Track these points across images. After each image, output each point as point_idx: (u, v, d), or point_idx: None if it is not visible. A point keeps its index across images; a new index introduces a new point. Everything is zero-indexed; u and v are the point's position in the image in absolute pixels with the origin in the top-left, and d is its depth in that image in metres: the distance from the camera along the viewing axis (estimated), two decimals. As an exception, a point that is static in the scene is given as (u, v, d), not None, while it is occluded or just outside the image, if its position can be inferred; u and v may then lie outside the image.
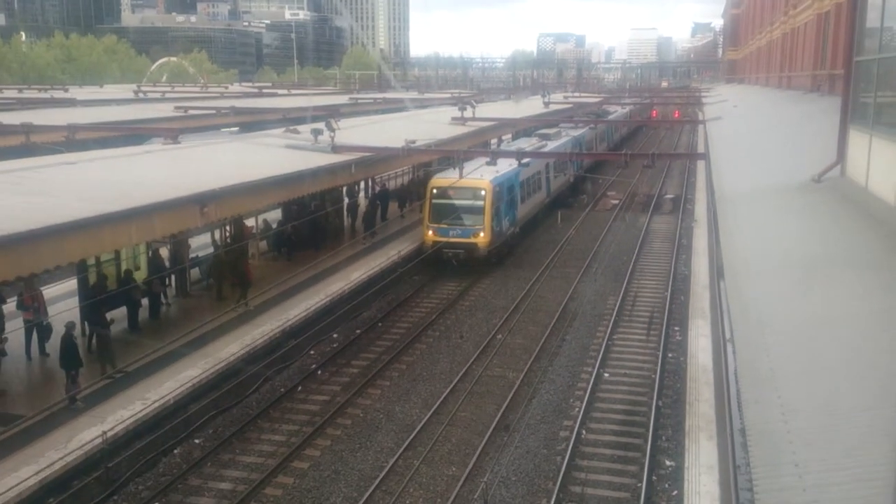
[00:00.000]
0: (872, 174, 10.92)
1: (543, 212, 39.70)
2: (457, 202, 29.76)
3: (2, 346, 17.13)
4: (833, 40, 30.17)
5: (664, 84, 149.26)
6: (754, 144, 23.20)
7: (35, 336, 19.68)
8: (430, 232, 29.93)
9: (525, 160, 31.17)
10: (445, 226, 29.73)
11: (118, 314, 21.12)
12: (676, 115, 78.27)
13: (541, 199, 39.26)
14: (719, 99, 59.65)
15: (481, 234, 29.59)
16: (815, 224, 10.62)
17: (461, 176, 28.35)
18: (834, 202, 11.48)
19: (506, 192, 31.40)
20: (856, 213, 10.47)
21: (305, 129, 29.65)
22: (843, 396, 5.57)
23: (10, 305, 20.71)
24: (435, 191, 30.07)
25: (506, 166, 31.54)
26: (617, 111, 72.25)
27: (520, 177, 33.49)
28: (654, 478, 15.63)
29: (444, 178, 30.58)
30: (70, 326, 18.25)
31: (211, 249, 26.50)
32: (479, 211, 29.59)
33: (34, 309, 19.60)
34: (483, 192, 29.48)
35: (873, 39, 11.45)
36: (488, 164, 30.30)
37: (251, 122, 42.48)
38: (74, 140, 28.96)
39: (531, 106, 59.68)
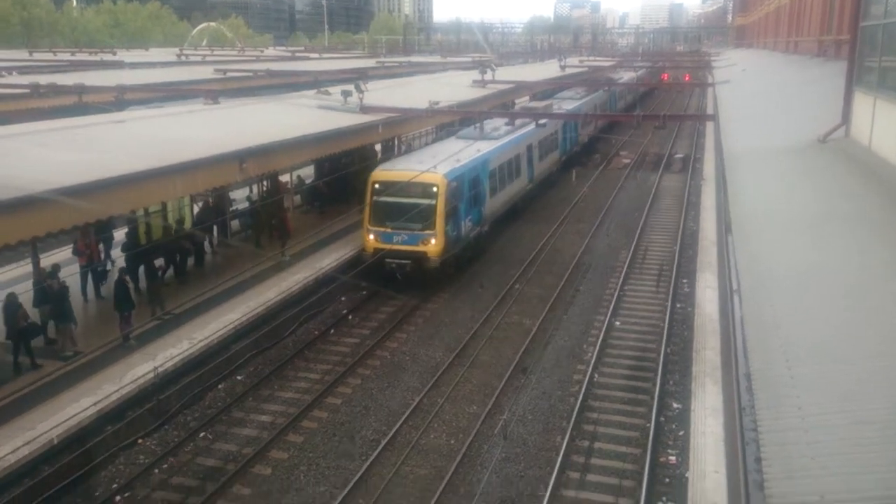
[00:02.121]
0: (876, 135, 10.72)
1: (522, 202, 32.55)
2: (402, 200, 22.33)
3: (60, 289, 17.38)
4: (840, 6, 29.29)
5: (679, 48, 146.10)
6: (762, 106, 22.77)
7: (91, 280, 20.00)
8: (371, 237, 22.72)
9: (501, 141, 28.51)
10: (389, 230, 22.42)
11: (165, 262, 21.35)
12: (687, 79, 76.87)
13: (519, 188, 31.58)
14: (728, 63, 58.40)
15: (432, 242, 22.27)
16: (820, 182, 10.46)
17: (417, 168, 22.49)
18: (838, 161, 11.29)
19: (467, 187, 24.26)
20: (859, 172, 10.29)
21: (336, 90, 29.44)
22: (844, 344, 5.54)
23: (67, 251, 21.01)
24: (377, 186, 22.77)
25: (473, 153, 25.65)
26: (623, 76, 70.55)
27: (489, 164, 26.75)
28: (662, 419, 15.72)
29: (387, 171, 23.43)
30: (122, 271, 18.53)
31: (246, 204, 26.55)
32: (429, 212, 22.21)
33: (88, 255, 19.86)
34: (435, 189, 22.19)
35: (879, 5, 11.15)
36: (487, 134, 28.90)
37: (285, 84, 42.26)
38: (123, 100, 29.02)
39: (548, 69, 58.79)
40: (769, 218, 9.08)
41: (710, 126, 38.43)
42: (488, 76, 39.59)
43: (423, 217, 22.15)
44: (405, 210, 22.05)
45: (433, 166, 22.43)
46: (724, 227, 10.20)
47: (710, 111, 42.85)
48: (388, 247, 22.24)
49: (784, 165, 11.91)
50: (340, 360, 18.60)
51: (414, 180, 21.52)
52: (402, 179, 22.16)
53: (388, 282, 22.60)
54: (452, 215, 22.98)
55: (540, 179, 35.19)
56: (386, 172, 23.26)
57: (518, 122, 30.99)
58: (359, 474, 13.75)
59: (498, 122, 31.34)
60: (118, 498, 13.22)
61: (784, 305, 6.41)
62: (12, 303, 16.09)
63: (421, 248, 22.30)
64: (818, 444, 4.27)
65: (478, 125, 29.94)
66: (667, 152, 49.04)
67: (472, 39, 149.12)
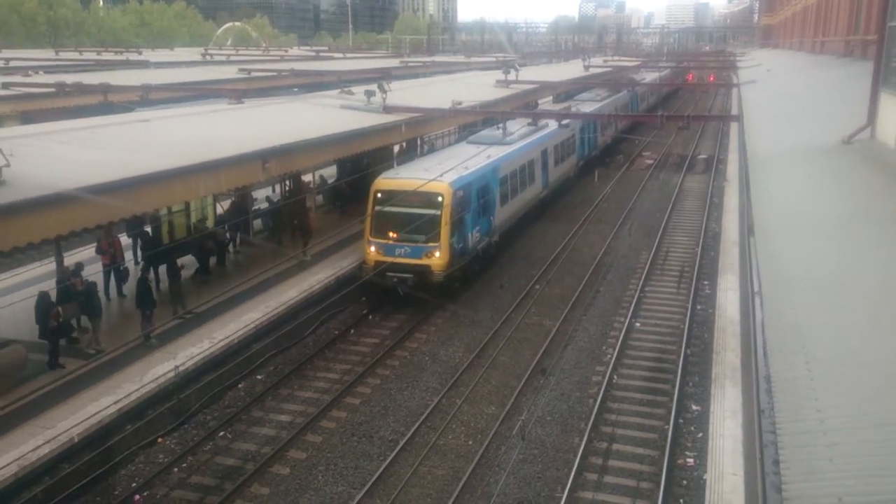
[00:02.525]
0: (902, 136, 10.54)
1: (535, 211, 31.11)
2: (405, 210, 21.12)
3: (84, 288, 17.60)
4: (867, 5, 28.90)
5: (706, 48, 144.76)
6: (786, 107, 22.52)
7: (113, 279, 20.22)
8: (373, 248, 21.63)
9: (513, 146, 27.41)
10: (390, 241, 21.40)
11: (188, 260, 21.55)
12: (711, 79, 76.20)
13: (532, 195, 30.17)
14: (753, 63, 57.84)
15: (436, 255, 21.09)
16: (844, 183, 10.32)
17: (426, 176, 21.17)
18: (863, 163, 11.13)
19: (475, 196, 23.01)
20: (884, 174, 10.14)
21: (359, 90, 29.54)
22: (866, 348, 5.47)
23: (90, 250, 21.25)
24: (379, 195, 21.61)
25: (483, 159, 24.50)
26: (647, 77, 69.83)
27: (500, 171, 25.49)
28: (681, 420, 15.61)
29: (391, 179, 22.31)
30: (144, 270, 18.71)
31: (265, 204, 26.65)
32: (433, 223, 20.98)
33: (111, 254, 20.09)
34: (440, 199, 21.05)
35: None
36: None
37: (309, 84, 42.47)
38: (148, 99, 29.32)
39: (572, 69, 58.58)
40: (792, 219, 8.98)
41: (734, 127, 38.09)
42: (512, 76, 39.52)
43: (427, 228, 20.93)
44: (408, 221, 20.98)
45: (439, 175, 21.41)
46: (747, 228, 10.11)
47: (734, 112, 42.47)
48: (389, 259, 20.77)
49: (808, 167, 11.77)
50: (360, 360, 18.66)
51: (418, 189, 20.10)
52: (405, 188, 20.79)
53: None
54: (458, 227, 21.80)
55: (556, 186, 34.04)
56: (389, 180, 22.14)
57: (533, 126, 30.57)
58: (377, 474, 13.79)
59: (513, 126, 30.32)
60: (137, 497, 13.35)
61: (806, 308, 6.33)
62: (45, 301, 16.28)
63: (424, 261, 21.07)
64: (837, 446, 4.21)
65: (491, 128, 29.33)
66: (690, 153, 48.67)
67: (496, 39, 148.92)
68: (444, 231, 21.04)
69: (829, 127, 14.27)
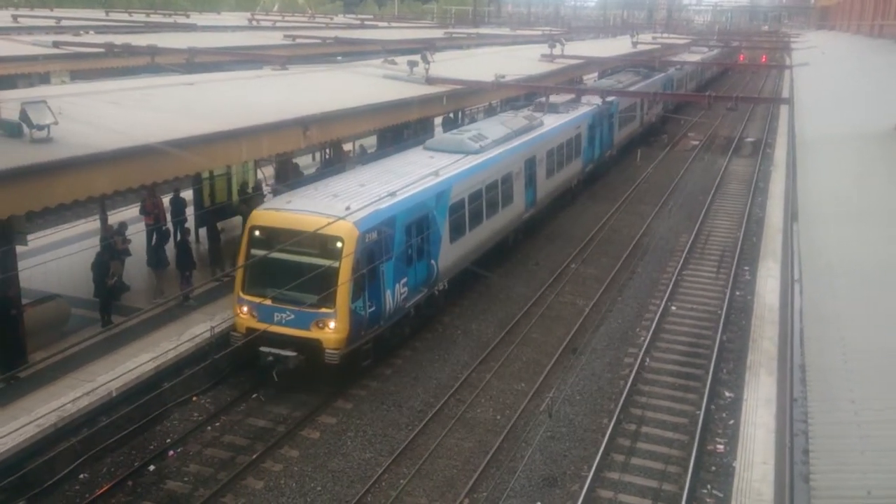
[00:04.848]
0: (959, 126, 10.23)
1: (514, 236, 24.28)
2: (291, 259, 15.06)
3: (126, 247, 17.99)
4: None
5: (764, 28, 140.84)
6: (839, 91, 21.95)
7: (155, 239, 20.58)
8: (245, 310, 15.54)
9: (481, 157, 21.05)
10: (269, 302, 15.16)
11: (228, 224, 21.84)
12: (763, 60, 74.45)
13: (507, 219, 22.98)
14: (808, 45, 56.30)
15: (330, 325, 14.91)
16: (894, 172, 10.06)
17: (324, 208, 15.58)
18: (916, 152, 10.83)
19: (403, 235, 16.66)
20: (938, 164, 9.86)
21: (402, 60, 29.43)
22: (906, 341, 5.37)
23: (134, 210, 21.64)
24: (256, 233, 15.68)
25: (430, 179, 18.30)
26: (696, 56, 67.91)
27: (451, 194, 18.79)
28: (713, 407, 15.50)
29: (273, 212, 15.87)
30: (185, 232, 19.03)
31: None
32: (327, 278, 14.76)
33: (155, 214, 20.44)
34: (339, 245, 14.92)
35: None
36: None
37: (352, 52, 42.42)
38: (194, 62, 29.57)
39: (619, 45, 57.61)
40: (838, 207, 8.80)
41: (784, 110, 37.22)
42: (557, 51, 39.00)
43: (319, 286, 14.58)
44: (294, 273, 14.26)
45: (345, 208, 15.40)
46: (790, 214, 9.93)
47: (785, 94, 41.49)
48: (265, 326, 14.54)
49: (857, 153, 11.49)
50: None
51: (308, 230, 14.35)
52: (291, 227, 15.08)
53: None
54: (369, 283, 15.48)
55: (549, 201, 27.18)
56: (270, 213, 15.81)
57: (522, 125, 25.46)
58: (405, 443, 13.96)
59: (493, 129, 24.03)
60: (171, 452, 13.71)
61: (846, 297, 6.23)
62: (103, 261, 16.65)
63: (314, 333, 14.98)
64: (870, 438, 4.16)
65: (460, 131, 23.89)
66: (737, 136, 47.73)
67: (542, 12, 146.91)
68: (343, 291, 14.80)
69: (882, 113, 13.90)
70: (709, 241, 26.57)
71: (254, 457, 13.45)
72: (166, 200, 20.99)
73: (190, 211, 20.85)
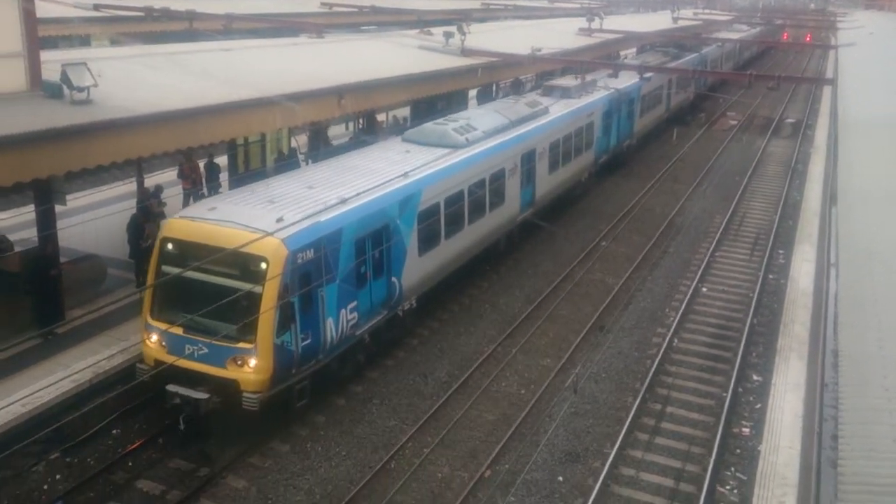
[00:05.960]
0: None
1: (509, 239, 21.65)
2: (208, 280, 12.47)
3: (161, 210, 18.20)
4: None
5: (811, 6, 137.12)
6: (885, 73, 21.38)
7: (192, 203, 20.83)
8: (154, 338, 13.04)
9: (465, 152, 18.26)
10: (179, 331, 12.69)
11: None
12: (808, 39, 72.70)
13: (497, 223, 20.12)
14: (855, 24, 54.81)
15: (251, 363, 12.32)
16: (941, 158, 9.81)
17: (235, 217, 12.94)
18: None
19: (353, 251, 13.96)
20: None
21: (438, 31, 29.20)
22: (945, 330, 5.26)
23: (171, 174, 21.87)
24: (169, 246, 13.06)
25: (397, 182, 15.60)
26: (738, 34, 66.20)
27: (421, 199, 16.04)
28: (740, 389, 15.39)
29: (190, 221, 13.13)
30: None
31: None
32: (248, 305, 12.30)
33: (192, 178, 20.65)
34: (262, 266, 12.26)
35: None
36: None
37: (389, 22, 42.20)
38: (231, 29, 29.64)
39: (659, 20, 56.58)
40: (878, 192, 8.62)
41: (827, 91, 36.37)
42: (595, 25, 38.42)
43: (238, 315, 12.20)
44: (209, 298, 11.35)
45: (277, 220, 12.73)
46: (829, 197, 9.74)
47: (829, 75, 40.49)
48: (174, 360, 12.15)
49: (902, 137, 11.22)
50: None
51: (227, 246, 12.00)
52: (207, 242, 12.53)
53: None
54: (304, 310, 12.82)
55: (551, 199, 24.22)
56: (186, 223, 13.10)
57: (522, 113, 22.45)
58: (429, 413, 14.07)
59: (487, 118, 20.99)
60: (202, 410, 13.91)
61: (883, 283, 6.11)
62: (138, 224, 16.88)
63: (231, 372, 12.42)
64: (901, 427, 4.10)
65: (445, 120, 20.33)
66: (777, 116, 46.81)
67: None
68: (267, 321, 12.15)
69: (930, 97, 13.52)
70: (744, 222, 26.20)
71: (280, 420, 13.63)
72: (201, 165, 21.17)
73: (224, 176, 21.06)
